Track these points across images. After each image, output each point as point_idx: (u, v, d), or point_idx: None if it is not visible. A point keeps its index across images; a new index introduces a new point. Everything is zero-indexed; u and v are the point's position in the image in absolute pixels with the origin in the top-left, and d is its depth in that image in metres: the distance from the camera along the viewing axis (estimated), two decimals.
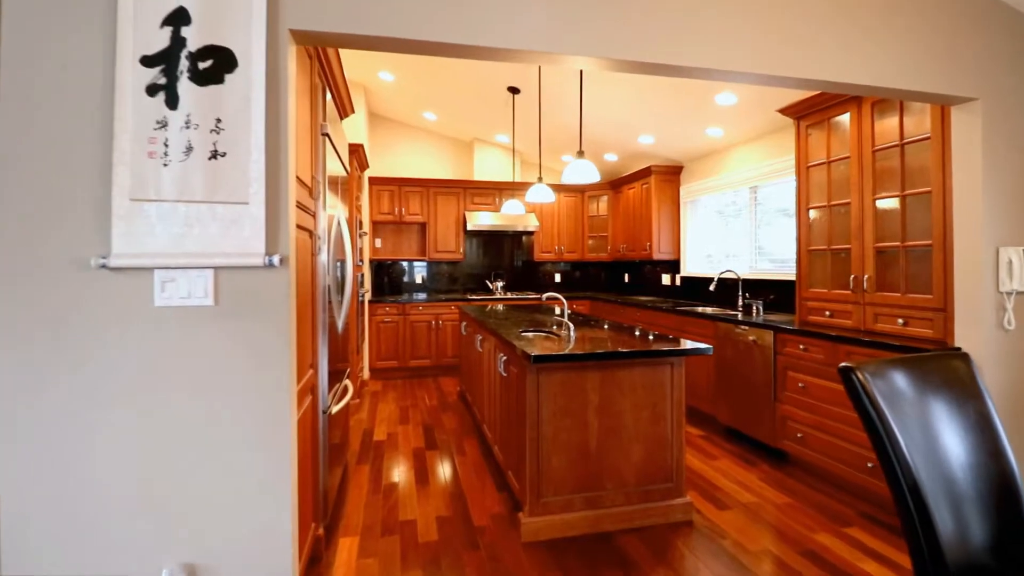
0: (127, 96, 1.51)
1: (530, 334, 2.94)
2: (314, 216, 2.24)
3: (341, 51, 4.32)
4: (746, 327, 3.49)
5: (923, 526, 1.00)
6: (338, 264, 2.80)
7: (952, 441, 1.16)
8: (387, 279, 6.31)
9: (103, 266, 1.45)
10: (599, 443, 2.43)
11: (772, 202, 4.25)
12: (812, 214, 3.29)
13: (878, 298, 2.80)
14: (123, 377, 1.45)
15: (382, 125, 6.26)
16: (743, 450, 3.46)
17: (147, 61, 1.52)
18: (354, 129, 5.27)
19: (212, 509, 1.49)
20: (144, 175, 1.50)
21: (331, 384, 2.50)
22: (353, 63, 4.75)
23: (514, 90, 4.50)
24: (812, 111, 3.24)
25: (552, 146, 5.97)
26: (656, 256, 5.41)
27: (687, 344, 2.54)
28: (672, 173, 5.44)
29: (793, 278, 3.89)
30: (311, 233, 2.17)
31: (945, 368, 1.30)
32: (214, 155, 1.52)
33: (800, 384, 3.03)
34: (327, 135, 2.36)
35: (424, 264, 6.42)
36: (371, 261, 6.07)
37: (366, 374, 5.47)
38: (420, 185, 6.05)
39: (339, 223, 2.76)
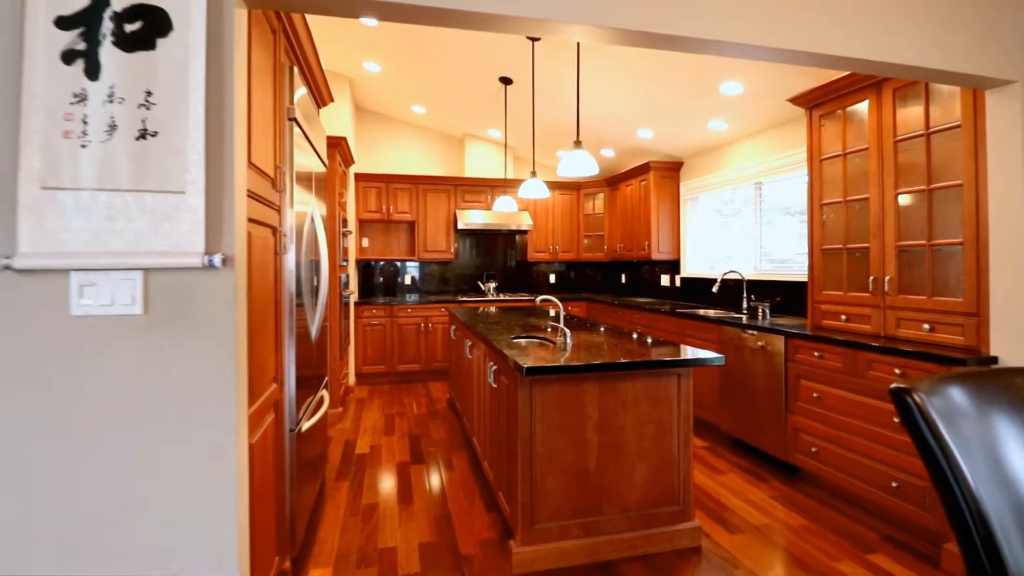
0: (38, 64, 1.26)
1: (523, 340, 2.70)
2: (279, 211, 1.99)
3: (323, 38, 4.07)
4: (754, 331, 3.27)
5: (991, 560, 0.83)
6: (312, 264, 2.55)
7: (1022, 463, 0.99)
8: (375, 280, 6.05)
9: (7, 267, 1.21)
10: (598, 462, 2.20)
11: (777, 199, 4.03)
12: (826, 211, 3.07)
13: (900, 301, 2.58)
14: (30, 401, 1.20)
15: (369, 119, 6.00)
16: (752, 463, 3.23)
17: (63, 23, 1.27)
18: (338, 122, 5.02)
19: (138, 562, 1.24)
20: (58, 158, 1.25)
21: (303, 397, 2.25)
22: (337, 53, 4.50)
23: (506, 81, 4.27)
24: (826, 99, 3.02)
25: (546, 141, 5.74)
26: (655, 256, 5.18)
27: (695, 353, 2.31)
28: (672, 169, 5.22)
29: (801, 279, 3.68)
30: (274, 230, 1.92)
31: (1010, 385, 1.11)
32: (143, 134, 1.28)
33: (815, 394, 2.81)
34: (295, 120, 2.11)
35: (414, 264, 6.17)
36: (357, 261, 5.81)
37: (351, 380, 5.22)
38: (409, 182, 5.80)
39: (313, 220, 2.51)
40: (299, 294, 2.22)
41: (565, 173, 2.88)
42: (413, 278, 6.18)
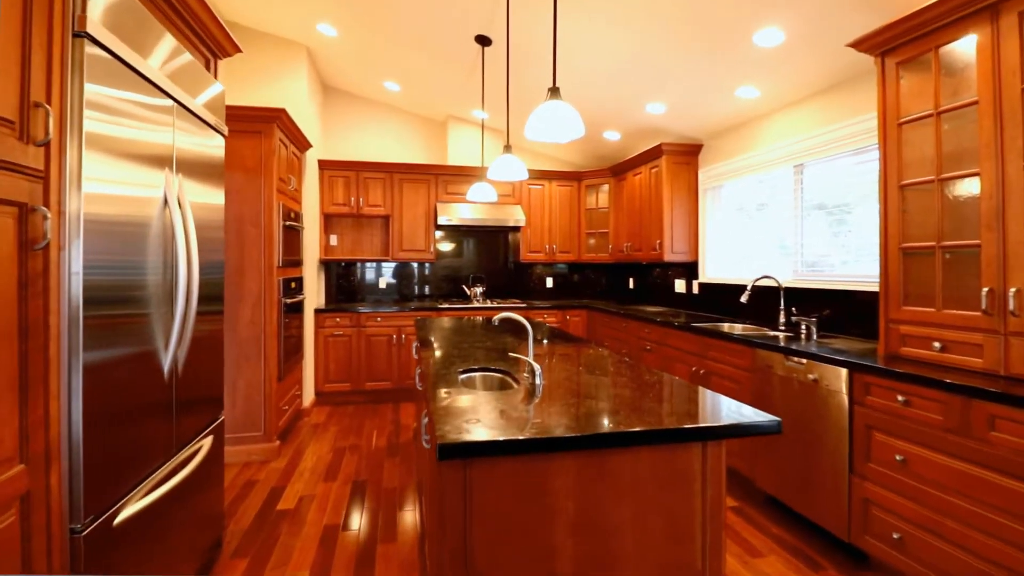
0: None
1: (475, 375, 1.90)
2: (43, 180, 1.21)
3: None
4: (802, 359, 2.43)
5: None
6: (164, 266, 1.76)
7: None
8: (345, 283, 5.28)
9: None
10: None
11: (821, 186, 3.17)
12: (907, 196, 2.22)
13: None
14: None
15: (340, 100, 5.24)
16: (799, 538, 2.39)
17: None
18: (292, 99, 4.25)
19: None
20: None
21: (134, 464, 1.46)
22: (285, 14, 3.74)
23: (484, 40, 3.46)
24: (908, 39, 2.17)
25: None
26: (668, 257, 4.34)
27: (734, 411, 1.48)
28: (688, 153, 4.37)
29: (860, 287, 2.82)
30: (23, 209, 1.14)
31: None
32: None
33: (897, 456, 1.96)
34: (93, 39, 1.33)
35: (391, 266, 5.39)
36: (323, 262, 5.05)
37: (307, 401, 4.45)
38: (382, 170, 5.02)
39: (177, 205, 1.72)
40: (134, 307, 1.44)
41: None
42: (389, 282, 5.40)
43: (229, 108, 3.32)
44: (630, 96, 3.91)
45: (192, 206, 1.94)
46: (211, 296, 2.14)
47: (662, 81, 3.53)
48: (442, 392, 1.59)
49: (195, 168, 1.96)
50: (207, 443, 2.08)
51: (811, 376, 2.37)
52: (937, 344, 2.05)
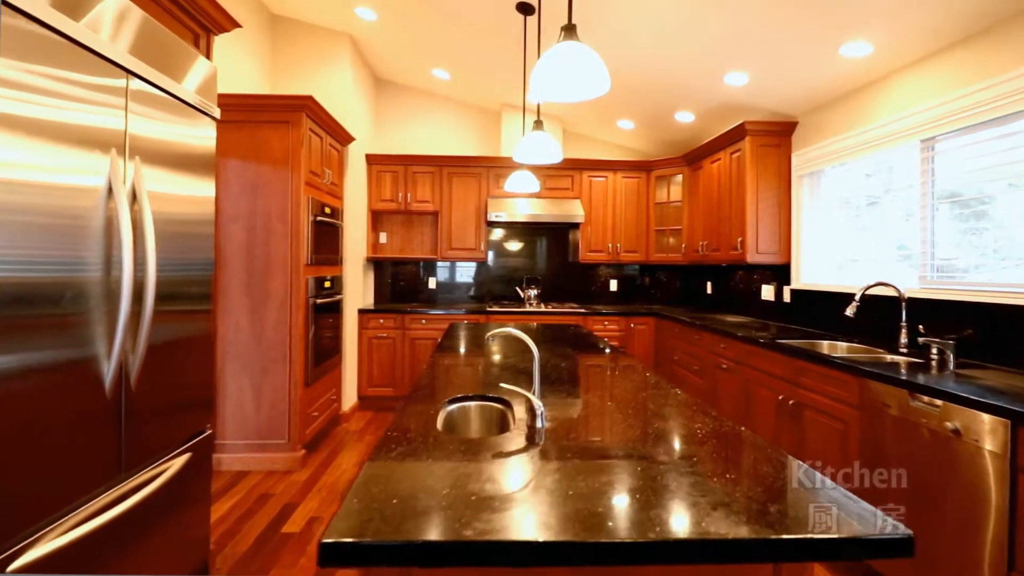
0: None
1: (470, 405, 1.48)
2: None
3: None
4: (936, 399, 1.75)
5: None
6: (105, 265, 1.51)
7: None
8: (395, 283, 5.08)
9: None
10: None
11: (949, 170, 2.39)
12: None
13: None
14: None
15: (391, 92, 5.04)
16: None
17: None
18: (333, 89, 4.07)
19: None
20: None
21: (69, 487, 1.21)
22: (323, 3, 3.55)
23: (525, 8, 3.02)
24: None
25: (597, 103, 4.38)
26: (751, 258, 3.65)
27: (835, 507, 0.94)
28: (778, 133, 3.65)
29: (1018, 301, 2.05)
30: None
31: None
32: None
33: None
34: (5, 3, 1.07)
35: (444, 266, 5.12)
36: (371, 260, 4.86)
37: (347, 405, 4.26)
38: (430, 164, 4.74)
39: (119, 193, 1.47)
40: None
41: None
42: (439, 282, 5.12)
43: (253, 97, 3.17)
44: (703, 64, 3.28)
45: (162, 198, 1.70)
46: (192, 295, 1.91)
47: (743, 42, 2.89)
48: (392, 437, 1.19)
49: (166, 156, 1.72)
50: (180, 462, 1.84)
51: (949, 425, 1.69)
52: None
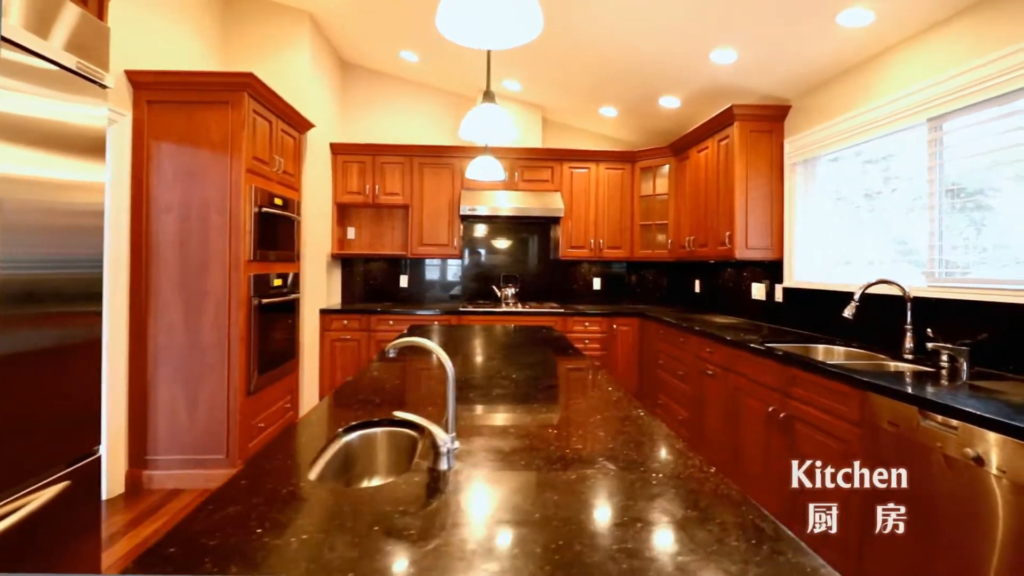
0: None
1: (376, 431, 1.18)
2: None
3: None
4: (952, 419, 1.46)
5: None
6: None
7: None
8: (365, 281, 4.77)
9: None
10: None
11: (952, 160, 2.10)
12: None
13: None
14: None
15: (358, 78, 4.71)
16: None
17: None
18: (290, 72, 3.75)
19: None
20: None
21: None
22: None
23: None
24: None
25: (580, 87, 4.08)
26: (740, 254, 3.36)
27: None
28: (769, 118, 3.36)
29: None
30: None
31: None
32: None
33: None
34: None
35: (416, 262, 4.80)
36: (336, 256, 4.55)
37: (302, 413, 3.95)
38: (400, 154, 4.43)
39: None
40: None
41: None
42: (410, 281, 4.81)
43: (187, 74, 2.85)
44: (690, 43, 2.99)
45: (22, 183, 1.39)
46: (69, 296, 1.60)
47: (733, 18, 2.60)
48: (222, 497, 0.89)
49: (28, 133, 1.40)
50: (51, 492, 1.53)
51: (970, 452, 1.40)
52: None
